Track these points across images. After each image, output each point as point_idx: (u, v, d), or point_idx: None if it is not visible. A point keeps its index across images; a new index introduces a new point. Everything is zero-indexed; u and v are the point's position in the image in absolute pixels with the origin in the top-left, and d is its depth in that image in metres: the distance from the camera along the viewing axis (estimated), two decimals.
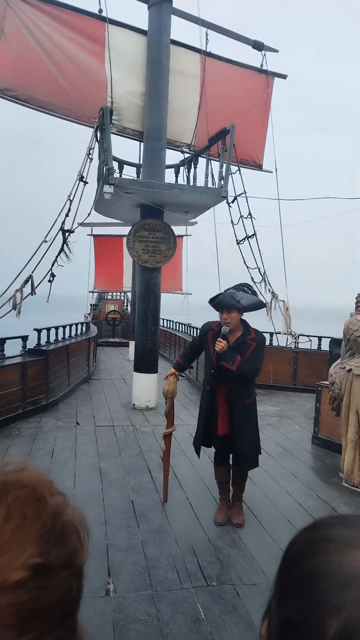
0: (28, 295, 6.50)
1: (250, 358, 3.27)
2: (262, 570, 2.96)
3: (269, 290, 8.48)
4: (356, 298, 4.36)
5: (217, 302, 3.31)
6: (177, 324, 14.23)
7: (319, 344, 8.96)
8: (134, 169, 8.24)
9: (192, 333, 12.11)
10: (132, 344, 12.27)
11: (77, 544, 0.45)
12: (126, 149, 8.54)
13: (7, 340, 6.44)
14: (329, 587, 0.43)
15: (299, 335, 8.90)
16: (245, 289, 3.49)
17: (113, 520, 3.56)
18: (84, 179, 6.95)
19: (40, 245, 6.69)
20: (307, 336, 8.97)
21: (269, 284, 8.45)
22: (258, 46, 8.30)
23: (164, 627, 2.43)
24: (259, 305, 3.50)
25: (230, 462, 3.61)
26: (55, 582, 0.40)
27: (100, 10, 7.29)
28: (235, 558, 3.11)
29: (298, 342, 8.98)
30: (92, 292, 18.97)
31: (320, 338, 8.92)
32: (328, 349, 6.91)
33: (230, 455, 3.59)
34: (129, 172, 8.11)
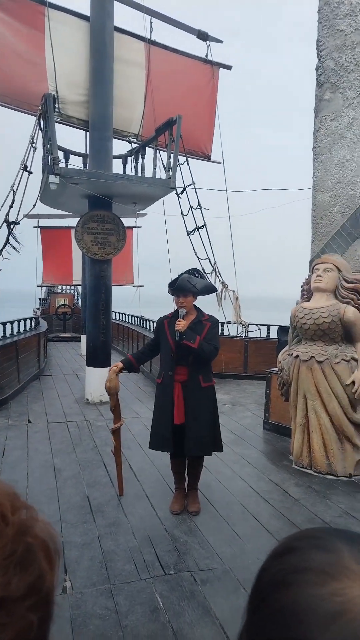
0: None
1: (208, 338, 3.44)
2: (218, 555, 3.04)
3: (219, 280, 8.61)
4: (301, 287, 4.51)
5: (176, 287, 3.45)
6: (130, 316, 14.13)
7: (268, 332, 9.22)
8: (80, 159, 8.05)
9: (145, 325, 12.08)
10: (84, 338, 12.08)
11: (44, 566, 0.39)
12: (72, 138, 8.31)
13: None
14: (309, 626, 0.37)
15: (249, 324, 9.12)
16: (196, 274, 3.66)
17: (69, 517, 3.52)
18: (28, 169, 6.71)
19: None
20: (257, 325, 9.20)
21: (219, 274, 8.57)
22: (202, 36, 8.30)
23: (122, 619, 2.44)
24: (211, 289, 3.75)
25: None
26: (15, 616, 0.34)
27: None
28: (192, 545, 3.17)
29: (248, 331, 9.20)
30: (41, 286, 18.42)
31: (269, 326, 9.17)
32: (276, 337, 7.12)
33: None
34: (76, 163, 7.92)
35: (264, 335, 9.26)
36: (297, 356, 4.36)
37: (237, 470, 4.50)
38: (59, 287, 20.11)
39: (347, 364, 4.16)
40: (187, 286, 3.43)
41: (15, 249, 6.91)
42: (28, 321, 9.72)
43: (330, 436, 4.27)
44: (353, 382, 4.12)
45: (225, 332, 9.25)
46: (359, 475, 4.33)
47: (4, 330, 8.02)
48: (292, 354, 4.45)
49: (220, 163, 8.81)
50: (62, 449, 5.07)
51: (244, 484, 4.20)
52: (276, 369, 4.94)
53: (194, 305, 3.58)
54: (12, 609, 0.35)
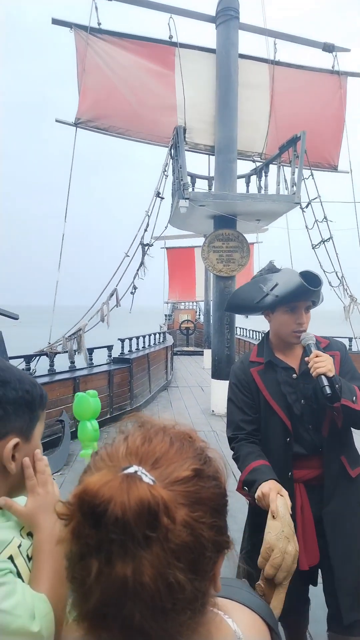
0: (114, 307, 6.96)
1: (345, 379, 1.71)
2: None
3: (348, 293, 8.29)
4: None
5: (298, 290, 1.70)
6: (251, 331, 14.24)
7: None
8: (205, 181, 8.51)
9: None
10: (206, 352, 12.48)
11: (219, 470, 0.59)
12: (195, 162, 8.85)
13: (94, 350, 6.93)
14: None
15: None
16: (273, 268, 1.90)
17: None
18: (160, 195, 7.32)
19: (122, 260, 7.14)
20: None
21: (347, 287, 8.26)
22: (328, 48, 8.25)
23: None
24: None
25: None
26: (208, 486, 0.54)
27: (171, 36, 7.68)
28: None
29: None
30: (167, 302, 19.56)
31: None
32: None
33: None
34: (201, 185, 8.37)
35: None
36: None
37: None
38: (182, 304, 21.11)
39: None
40: (319, 286, 1.75)
41: (146, 269, 7.55)
42: (157, 335, 10.42)
43: None
44: None
45: (354, 349, 8.82)
46: None
47: (137, 344, 8.73)
48: None
49: (347, 172, 8.57)
50: None
51: None
52: None
53: None
54: (206, 481, 0.53)
